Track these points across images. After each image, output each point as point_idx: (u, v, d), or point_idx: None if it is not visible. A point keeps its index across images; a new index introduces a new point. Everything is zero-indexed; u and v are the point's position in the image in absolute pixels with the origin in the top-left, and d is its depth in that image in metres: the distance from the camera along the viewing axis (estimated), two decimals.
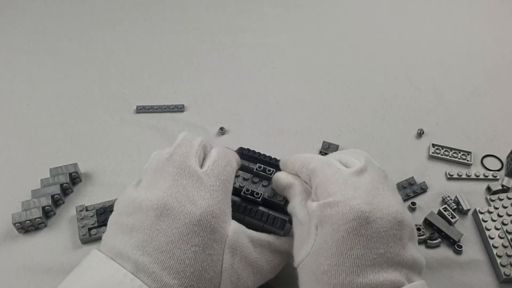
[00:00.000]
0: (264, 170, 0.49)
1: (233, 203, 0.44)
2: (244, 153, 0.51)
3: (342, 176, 0.41)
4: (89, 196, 0.60)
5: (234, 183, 0.47)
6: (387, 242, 0.37)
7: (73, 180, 0.61)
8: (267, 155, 0.51)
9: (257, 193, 0.47)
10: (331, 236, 0.37)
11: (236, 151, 0.51)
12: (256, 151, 0.52)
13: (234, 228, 0.40)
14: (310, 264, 0.38)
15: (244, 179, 0.49)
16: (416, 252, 0.40)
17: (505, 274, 0.50)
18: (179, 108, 0.72)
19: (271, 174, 0.48)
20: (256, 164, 0.49)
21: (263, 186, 0.48)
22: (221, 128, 0.68)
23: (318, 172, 0.42)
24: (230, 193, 0.43)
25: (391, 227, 0.38)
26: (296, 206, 0.43)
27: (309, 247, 0.39)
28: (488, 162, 0.65)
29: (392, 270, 0.37)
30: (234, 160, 0.46)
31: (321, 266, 0.37)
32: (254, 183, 0.48)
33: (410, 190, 0.60)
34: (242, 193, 0.47)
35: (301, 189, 0.44)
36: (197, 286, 0.36)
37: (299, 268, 0.41)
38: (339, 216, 0.37)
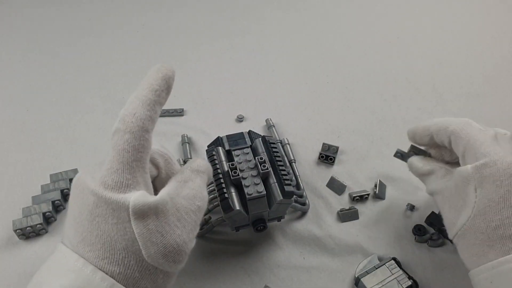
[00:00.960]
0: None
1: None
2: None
3: (488, 136, 0.43)
4: None
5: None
6: None
7: None
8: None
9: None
10: (496, 192, 0.40)
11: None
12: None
13: (136, 196, 0.36)
14: (475, 225, 0.40)
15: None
16: None
17: None
18: (179, 112, 0.72)
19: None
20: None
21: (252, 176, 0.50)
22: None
23: (463, 134, 0.44)
24: (136, 161, 0.38)
25: None
26: (441, 183, 0.46)
27: (469, 210, 0.41)
28: None
29: None
30: (147, 119, 0.40)
31: (492, 222, 0.39)
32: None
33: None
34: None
35: (443, 173, 0.47)
36: (112, 257, 0.36)
37: (459, 236, 0.42)
38: (500, 172, 0.40)
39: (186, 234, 0.39)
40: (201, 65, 0.83)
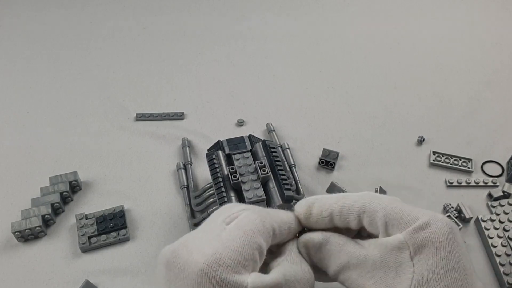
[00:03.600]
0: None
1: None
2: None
3: (398, 201, 0.39)
4: (89, 204, 0.60)
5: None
6: (464, 247, 0.38)
7: (73, 188, 0.61)
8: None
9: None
10: (437, 255, 0.36)
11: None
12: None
13: (253, 278, 0.34)
14: None
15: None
16: None
17: (508, 283, 0.50)
18: (179, 116, 0.72)
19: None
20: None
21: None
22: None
23: (377, 207, 0.39)
24: (255, 245, 0.36)
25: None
26: (357, 256, 0.38)
27: (407, 283, 0.36)
28: (489, 168, 0.65)
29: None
30: (278, 223, 0.39)
31: None
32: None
33: None
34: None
35: (353, 244, 0.40)
36: None
37: None
38: (438, 233, 0.36)
39: None
40: (202, 69, 0.83)
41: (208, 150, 0.56)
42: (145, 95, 0.77)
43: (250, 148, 0.54)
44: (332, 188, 0.60)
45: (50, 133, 0.70)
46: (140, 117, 0.72)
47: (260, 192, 0.48)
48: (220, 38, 0.91)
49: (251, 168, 0.51)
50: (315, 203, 0.41)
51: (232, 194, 0.49)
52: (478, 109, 0.75)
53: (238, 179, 0.49)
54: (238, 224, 0.36)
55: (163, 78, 0.81)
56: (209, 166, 0.52)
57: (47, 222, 0.57)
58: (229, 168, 0.50)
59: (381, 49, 0.88)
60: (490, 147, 0.68)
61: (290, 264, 0.39)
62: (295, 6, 1.00)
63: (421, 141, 0.68)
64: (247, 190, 0.48)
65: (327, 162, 0.64)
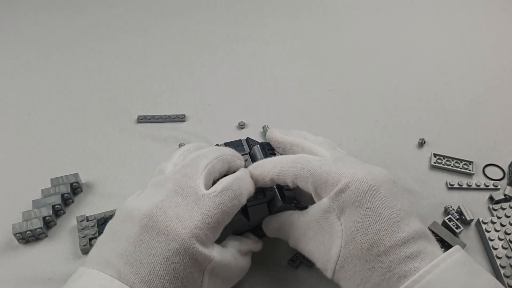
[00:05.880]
0: None
1: None
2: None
3: (329, 163, 0.43)
4: (90, 206, 0.60)
5: None
6: (397, 199, 0.41)
7: (74, 190, 0.61)
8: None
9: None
10: (358, 213, 0.40)
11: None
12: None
13: (217, 253, 0.40)
14: (349, 253, 0.39)
15: None
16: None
17: (509, 286, 0.50)
18: (180, 118, 0.72)
19: None
20: None
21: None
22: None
23: (305, 173, 0.44)
24: (224, 225, 0.42)
25: (391, 186, 0.42)
26: (301, 227, 0.45)
27: (339, 240, 0.40)
28: (490, 171, 0.65)
29: (414, 220, 0.41)
30: (246, 193, 0.45)
31: (363, 244, 0.39)
32: None
33: None
34: None
35: (297, 217, 0.46)
36: None
37: (337, 270, 0.41)
38: (355, 193, 0.40)
39: None
40: (203, 72, 0.83)
41: None
42: (147, 97, 0.77)
43: (249, 151, 0.54)
44: None
45: (52, 134, 0.70)
46: (142, 119, 0.72)
47: (261, 194, 0.48)
48: (222, 41, 0.91)
49: None
50: (257, 167, 0.47)
51: None
52: (479, 113, 0.75)
53: None
54: (220, 199, 0.41)
55: (165, 81, 0.81)
56: None
57: (48, 224, 0.57)
58: None
59: (382, 52, 0.88)
60: (491, 150, 0.68)
61: (239, 253, 0.45)
62: (297, 10, 1.00)
63: (422, 143, 0.68)
64: None
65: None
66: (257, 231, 0.51)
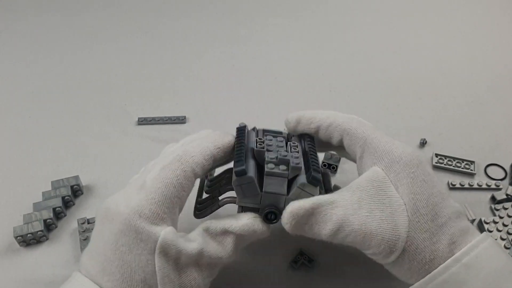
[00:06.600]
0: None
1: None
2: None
3: (380, 132, 0.44)
4: (91, 208, 0.60)
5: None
6: (434, 176, 0.42)
7: (74, 192, 0.61)
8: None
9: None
10: (415, 184, 0.39)
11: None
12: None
13: (167, 232, 0.37)
14: (416, 225, 0.38)
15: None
16: None
17: None
18: (181, 120, 0.72)
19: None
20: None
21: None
22: None
23: (359, 133, 0.43)
24: (180, 198, 0.39)
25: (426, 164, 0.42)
26: (352, 206, 0.39)
27: (404, 214, 0.38)
28: (492, 171, 0.64)
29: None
30: (200, 156, 0.41)
31: (428, 215, 0.38)
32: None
33: None
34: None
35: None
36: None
37: (406, 247, 0.37)
38: (409, 165, 0.40)
39: (201, 280, 0.39)
40: (204, 73, 0.83)
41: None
42: (147, 99, 0.77)
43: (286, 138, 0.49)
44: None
45: (52, 137, 0.70)
46: (142, 121, 0.72)
47: (284, 166, 0.41)
48: (222, 42, 0.91)
49: (281, 149, 0.44)
50: (306, 114, 0.46)
51: (251, 162, 0.42)
52: (481, 112, 0.74)
53: (263, 147, 0.43)
54: (161, 173, 0.39)
55: (165, 82, 0.81)
56: (236, 136, 0.46)
57: (49, 227, 0.57)
58: (257, 139, 0.44)
59: (383, 53, 0.88)
60: (493, 150, 0.67)
61: (209, 236, 0.40)
62: (297, 10, 1.00)
63: (423, 143, 0.68)
64: (269, 162, 0.41)
65: (330, 165, 0.64)
66: (269, 213, 0.42)
